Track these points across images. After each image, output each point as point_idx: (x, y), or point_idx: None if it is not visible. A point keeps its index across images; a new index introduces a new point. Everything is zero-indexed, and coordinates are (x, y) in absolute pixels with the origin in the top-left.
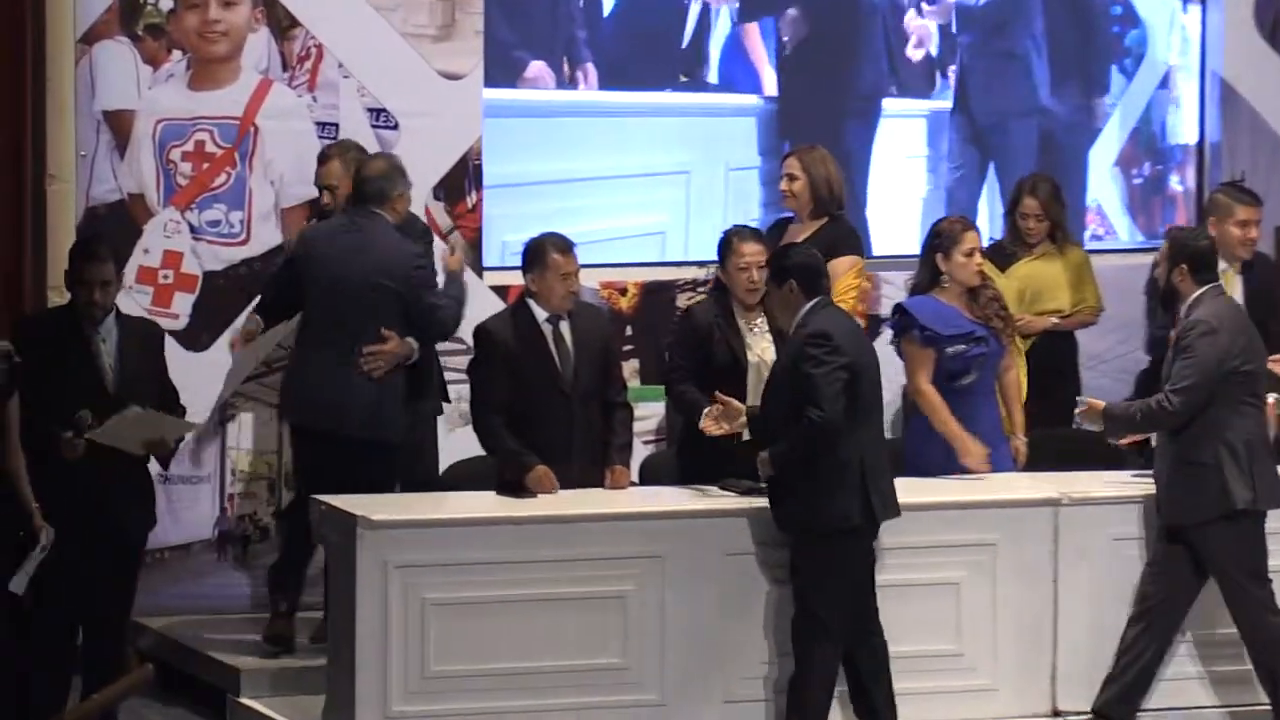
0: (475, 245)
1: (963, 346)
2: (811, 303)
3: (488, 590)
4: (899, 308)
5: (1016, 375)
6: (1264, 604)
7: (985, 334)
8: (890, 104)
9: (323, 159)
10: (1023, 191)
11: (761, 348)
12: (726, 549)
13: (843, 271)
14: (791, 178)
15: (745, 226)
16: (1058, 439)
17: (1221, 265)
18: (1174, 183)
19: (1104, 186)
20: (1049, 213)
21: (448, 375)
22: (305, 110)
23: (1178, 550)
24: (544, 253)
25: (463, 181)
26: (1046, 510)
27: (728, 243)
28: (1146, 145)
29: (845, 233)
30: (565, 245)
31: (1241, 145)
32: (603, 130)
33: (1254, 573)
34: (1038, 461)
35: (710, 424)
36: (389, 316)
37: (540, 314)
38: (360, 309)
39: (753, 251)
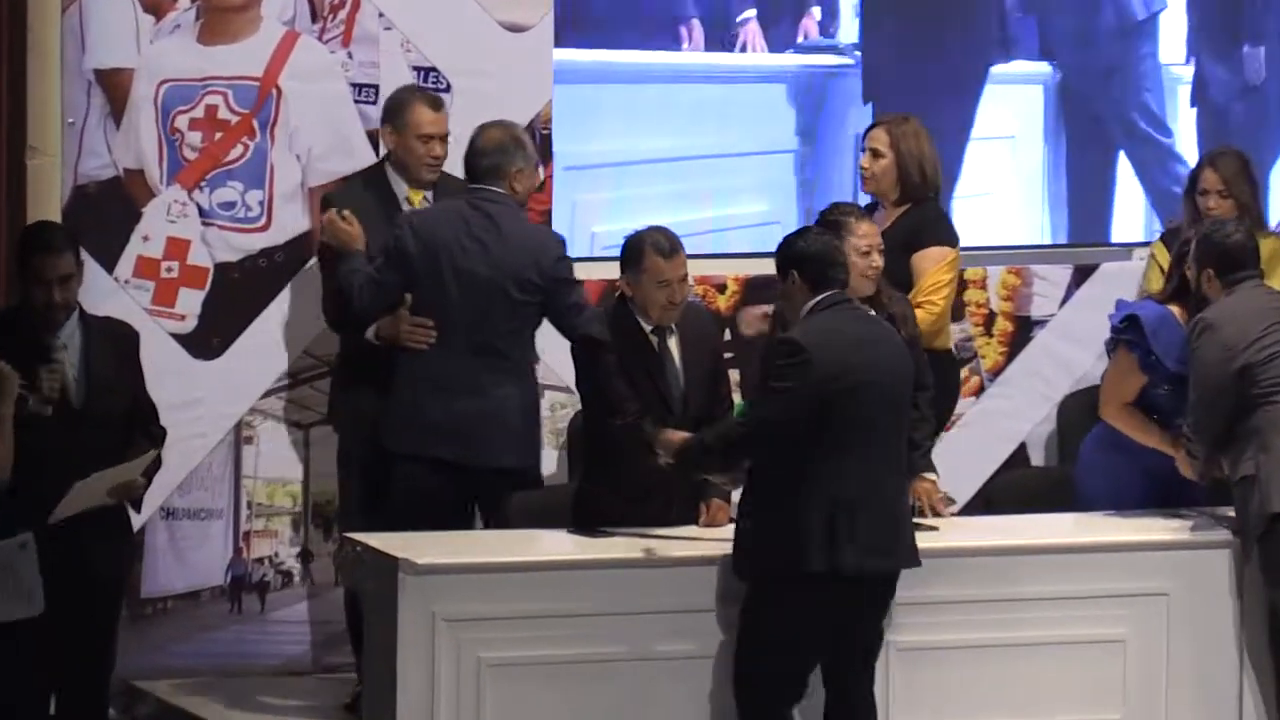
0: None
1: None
2: (817, 299)
3: (556, 648)
4: (1131, 316)
5: None
6: None
7: None
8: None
9: (438, 105)
10: (1203, 165)
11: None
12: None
13: (930, 266)
14: (875, 154)
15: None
16: None
17: None
18: None
19: None
20: (1233, 190)
21: None
22: (339, 69)
23: None
24: (641, 254)
25: None
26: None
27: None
28: None
29: (933, 219)
30: (669, 246)
31: None
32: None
33: None
34: None
35: None
36: (530, 320)
37: (644, 322)
38: (502, 311)
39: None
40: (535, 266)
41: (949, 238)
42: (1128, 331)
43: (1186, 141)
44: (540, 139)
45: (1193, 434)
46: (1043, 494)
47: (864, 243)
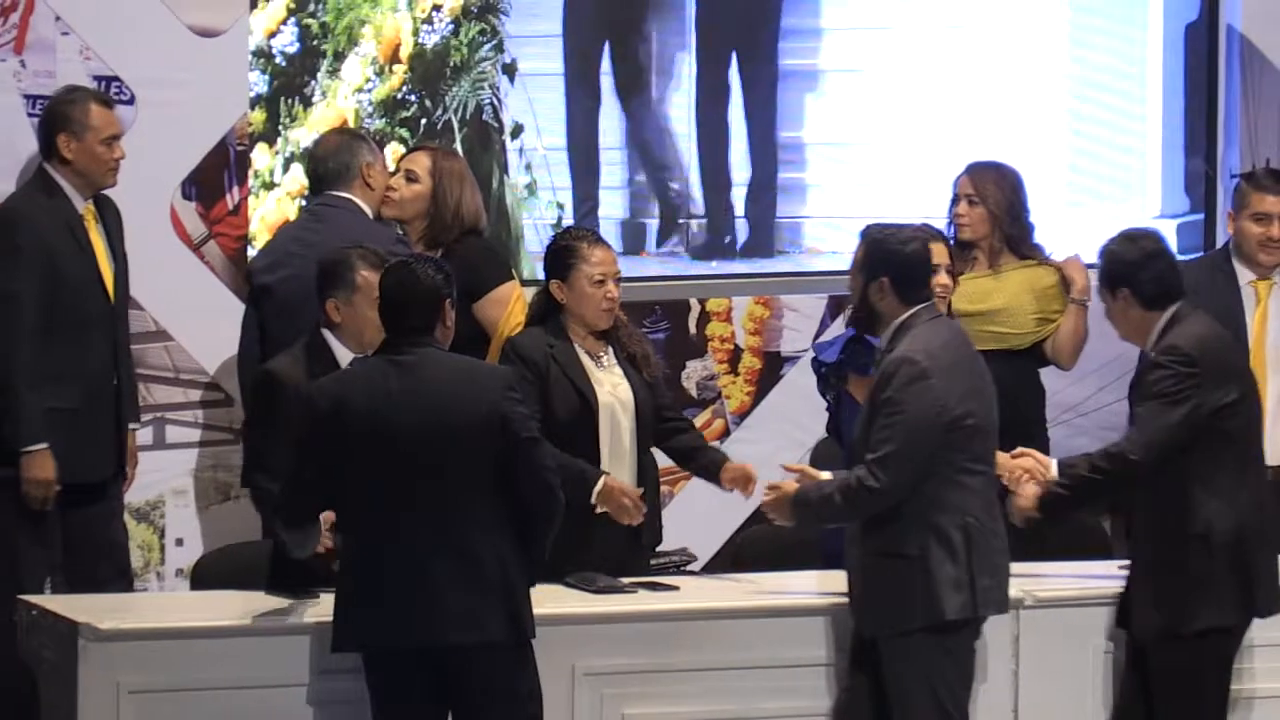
0: (239, 259)
1: None
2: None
3: None
4: (851, 341)
5: None
6: None
7: None
8: None
9: (110, 103)
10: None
11: (613, 383)
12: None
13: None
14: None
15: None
16: None
17: (1248, 274)
18: None
19: None
20: (986, 199)
21: None
22: (10, 79)
23: None
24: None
25: (222, 174)
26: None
27: (570, 249)
28: None
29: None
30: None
31: None
32: None
33: None
34: None
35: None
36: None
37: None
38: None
39: (611, 258)
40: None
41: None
42: (850, 360)
43: None
44: (235, 155)
45: (879, 493)
46: (796, 550)
47: (598, 271)
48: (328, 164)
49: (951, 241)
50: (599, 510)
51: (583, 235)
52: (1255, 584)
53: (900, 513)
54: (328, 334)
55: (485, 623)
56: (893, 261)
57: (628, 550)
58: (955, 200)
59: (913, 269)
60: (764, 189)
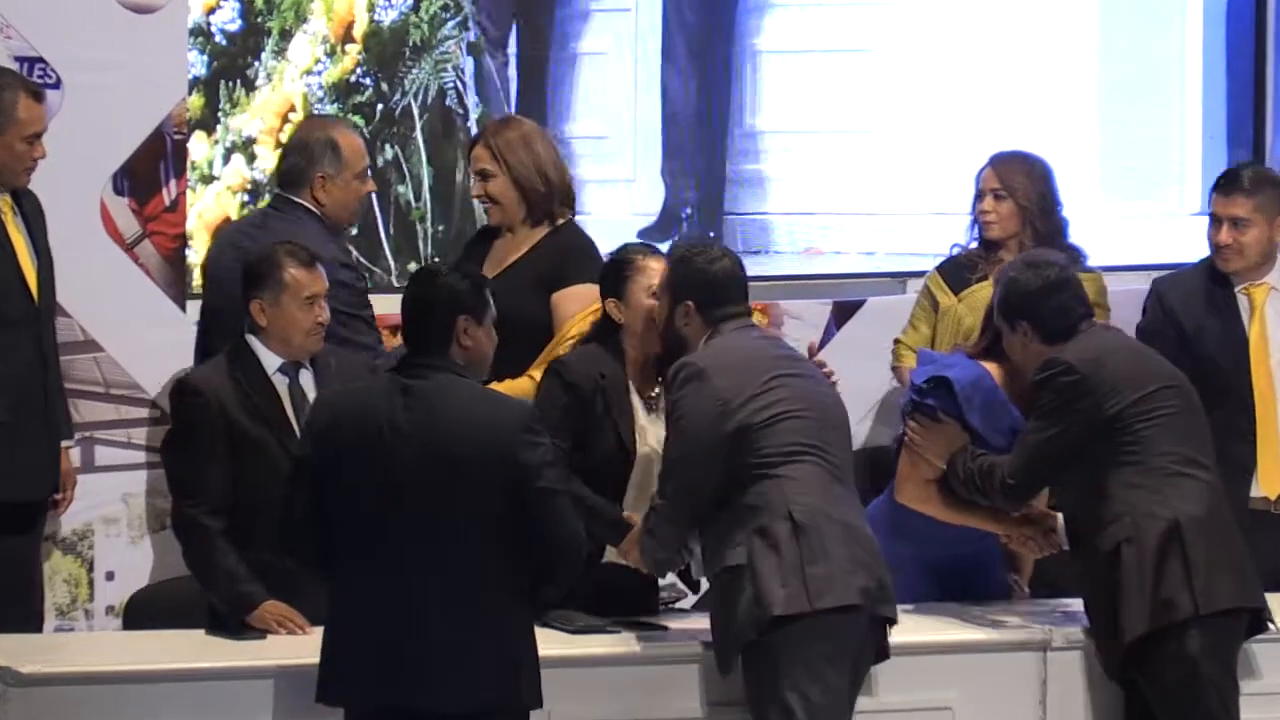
0: (176, 260)
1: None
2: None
3: None
4: (939, 378)
5: None
6: None
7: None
8: None
9: (41, 96)
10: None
11: (658, 436)
12: None
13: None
14: None
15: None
16: None
17: (1239, 282)
18: None
19: None
20: (1015, 194)
21: None
22: None
23: None
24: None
25: (157, 166)
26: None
27: (627, 261)
28: None
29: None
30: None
31: None
32: None
33: None
34: None
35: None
36: None
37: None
38: None
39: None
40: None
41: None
42: (932, 394)
43: None
44: (173, 145)
45: (665, 506)
46: None
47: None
48: (286, 159)
49: (976, 243)
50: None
51: (640, 249)
52: (1193, 576)
53: (724, 525)
54: (253, 339)
55: (481, 690)
56: (699, 282)
57: (639, 587)
58: (979, 196)
59: (721, 289)
60: (714, 181)
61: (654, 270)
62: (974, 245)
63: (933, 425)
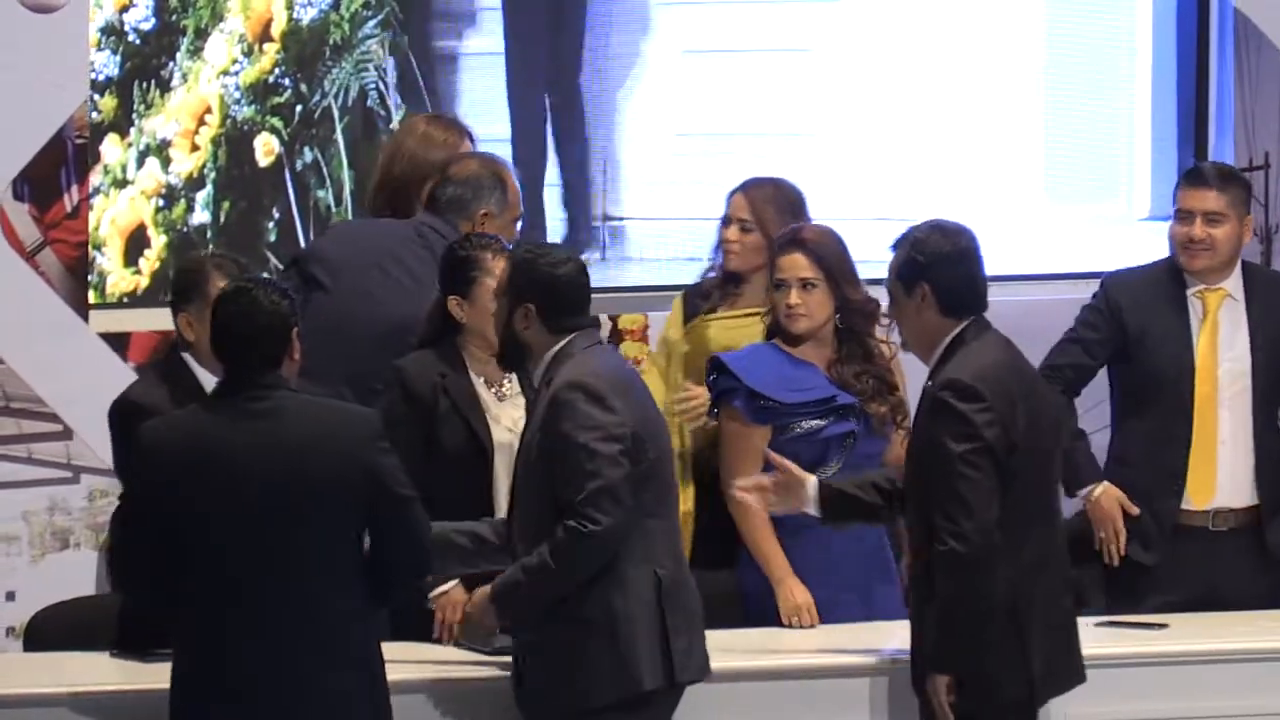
0: (78, 269)
1: (818, 422)
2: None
3: None
4: (715, 362)
5: None
6: None
7: (852, 404)
8: None
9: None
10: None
11: (514, 419)
12: None
13: None
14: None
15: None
16: None
17: (1196, 282)
18: None
19: None
20: (762, 221)
21: None
22: None
23: None
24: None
25: (59, 171)
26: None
27: (471, 261)
28: None
29: None
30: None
31: None
32: None
33: None
34: None
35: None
36: None
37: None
38: None
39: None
40: None
41: None
42: (719, 381)
43: None
44: (74, 149)
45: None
46: (715, 601)
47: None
48: (448, 189)
49: (714, 273)
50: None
51: (487, 244)
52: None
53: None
54: (186, 355)
55: (354, 710)
56: (541, 286)
57: None
58: (725, 222)
59: (565, 295)
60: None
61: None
62: (712, 275)
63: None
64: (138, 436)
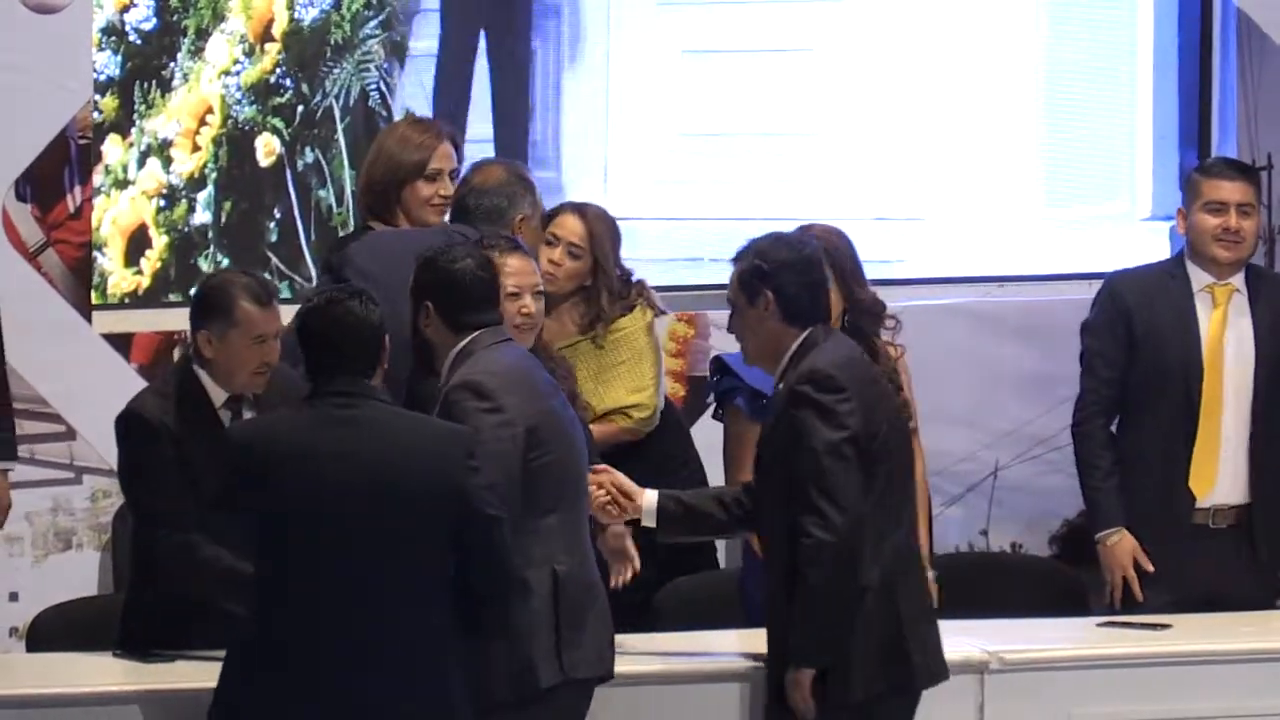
0: (81, 270)
1: None
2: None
3: None
4: (718, 362)
5: (920, 475)
6: None
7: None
8: None
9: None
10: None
11: None
12: None
13: None
14: None
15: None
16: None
17: (1205, 279)
18: None
19: None
20: (595, 247)
21: None
22: None
23: None
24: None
25: (62, 171)
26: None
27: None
28: None
29: None
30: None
31: None
32: None
33: None
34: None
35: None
36: None
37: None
38: None
39: (527, 268)
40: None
41: None
42: (722, 381)
43: None
44: (77, 149)
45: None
46: (718, 603)
47: (511, 282)
48: (482, 199)
49: None
50: None
51: (494, 244)
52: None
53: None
54: (200, 371)
55: None
56: (438, 284)
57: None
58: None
59: (463, 291)
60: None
61: (513, 268)
62: None
63: None
64: (227, 435)
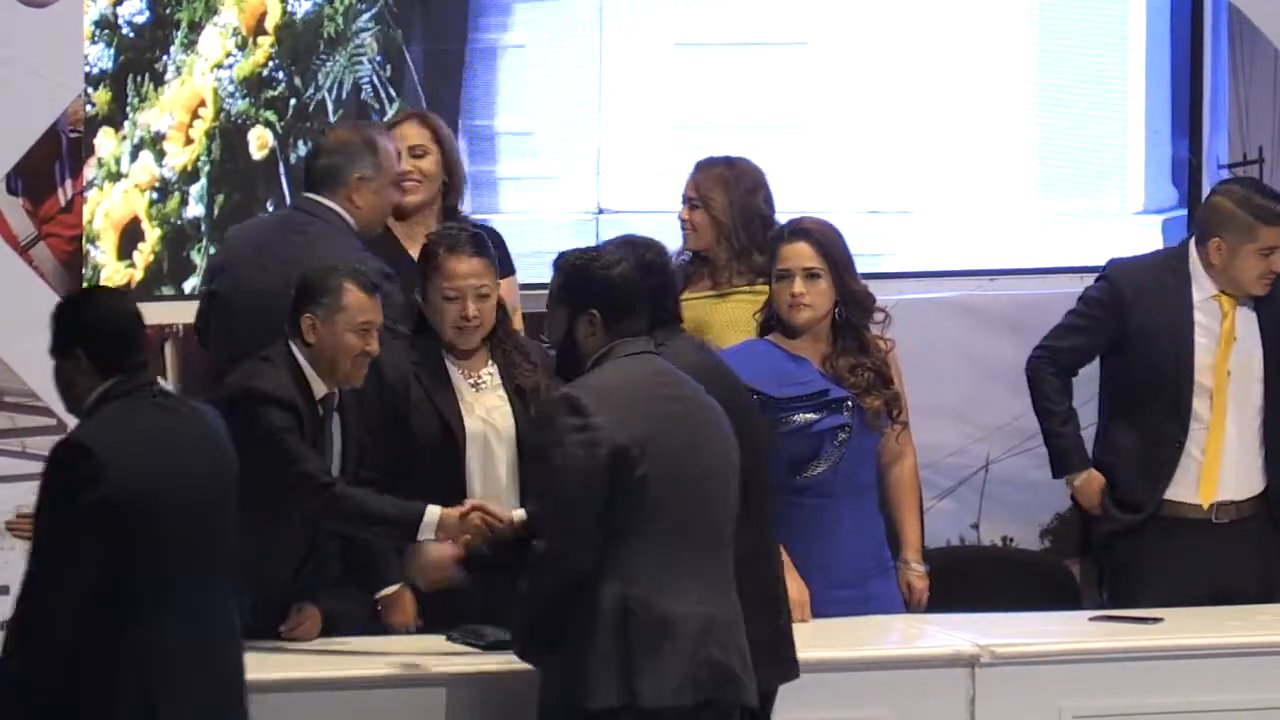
0: (73, 263)
1: (811, 416)
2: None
3: None
4: None
5: (912, 468)
6: None
7: (845, 398)
8: None
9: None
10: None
11: (488, 408)
12: None
13: None
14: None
15: (457, 230)
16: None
17: (1208, 288)
18: None
19: None
20: (707, 200)
21: None
22: None
23: None
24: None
25: (53, 165)
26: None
27: (433, 255)
28: None
29: None
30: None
31: None
32: None
33: None
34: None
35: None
36: None
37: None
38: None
39: (470, 270)
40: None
41: None
42: None
43: None
44: (69, 143)
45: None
46: None
47: (451, 286)
48: (317, 161)
49: (681, 255)
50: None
51: (446, 238)
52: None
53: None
54: (303, 362)
55: None
56: (595, 290)
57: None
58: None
59: (623, 296)
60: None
61: (460, 270)
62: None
63: None
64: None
